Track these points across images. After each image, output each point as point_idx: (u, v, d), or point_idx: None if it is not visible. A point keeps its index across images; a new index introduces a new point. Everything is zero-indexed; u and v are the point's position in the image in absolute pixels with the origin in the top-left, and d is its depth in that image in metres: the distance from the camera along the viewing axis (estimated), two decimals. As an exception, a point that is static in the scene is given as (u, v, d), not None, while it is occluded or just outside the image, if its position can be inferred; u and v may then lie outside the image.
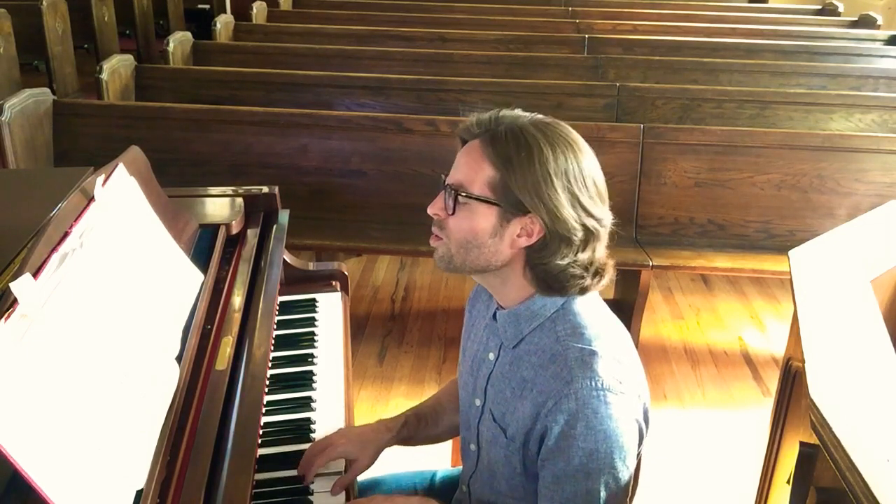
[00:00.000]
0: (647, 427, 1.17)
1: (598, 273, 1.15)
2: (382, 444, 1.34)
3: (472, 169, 1.11)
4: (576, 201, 1.08)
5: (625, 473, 1.11)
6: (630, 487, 1.14)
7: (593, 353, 1.09)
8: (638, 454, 1.21)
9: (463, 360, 1.35)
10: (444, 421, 1.45)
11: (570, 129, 1.13)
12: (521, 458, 1.16)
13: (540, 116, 1.14)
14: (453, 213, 1.12)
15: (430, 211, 1.17)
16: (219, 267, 1.58)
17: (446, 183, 1.14)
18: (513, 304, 1.18)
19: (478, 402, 1.26)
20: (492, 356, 1.24)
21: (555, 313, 1.15)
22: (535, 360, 1.15)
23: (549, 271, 1.12)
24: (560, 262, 1.11)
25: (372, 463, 1.33)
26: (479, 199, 1.10)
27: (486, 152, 1.09)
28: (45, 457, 0.86)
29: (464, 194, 1.10)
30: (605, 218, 1.12)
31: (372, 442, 1.33)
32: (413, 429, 1.40)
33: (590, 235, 1.11)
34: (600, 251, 1.14)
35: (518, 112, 1.14)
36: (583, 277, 1.13)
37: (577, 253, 1.11)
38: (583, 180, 1.09)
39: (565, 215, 1.07)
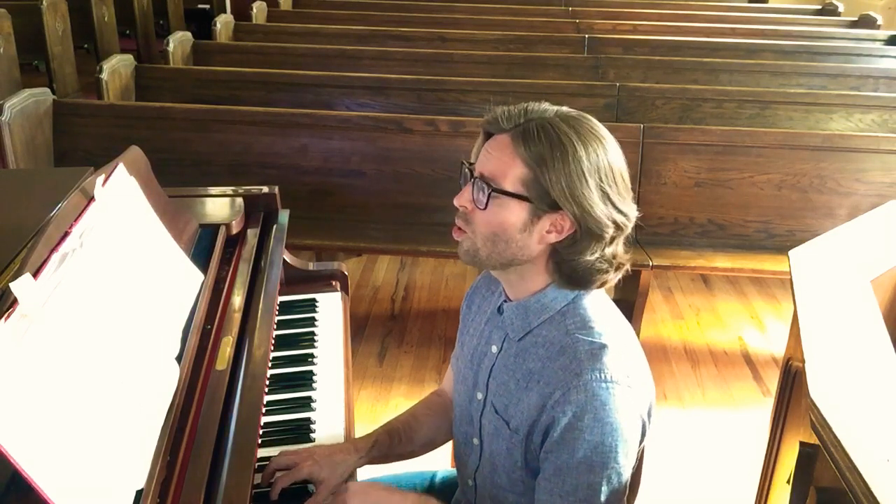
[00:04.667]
0: (649, 423, 1.17)
1: (619, 267, 1.15)
2: (351, 466, 1.31)
3: (504, 164, 1.09)
4: (606, 198, 1.08)
5: (626, 468, 1.11)
6: (628, 482, 1.14)
7: (603, 347, 1.10)
8: (640, 451, 1.22)
9: (461, 354, 1.35)
10: (419, 435, 1.42)
11: (595, 120, 1.13)
12: (523, 450, 1.17)
13: (565, 109, 1.13)
14: (485, 208, 1.10)
15: (457, 203, 1.15)
16: (219, 267, 1.58)
17: (475, 175, 1.12)
18: (523, 296, 1.18)
19: (479, 396, 1.26)
20: (494, 349, 1.24)
21: (565, 307, 1.16)
22: (543, 353, 1.15)
23: (576, 267, 1.12)
24: (588, 258, 1.11)
25: (340, 484, 1.28)
26: (511, 195, 1.09)
27: (517, 150, 1.08)
28: (45, 457, 0.86)
29: (497, 189, 1.09)
30: (631, 213, 1.12)
31: (340, 464, 1.29)
32: (384, 448, 1.36)
33: (618, 231, 1.11)
34: (621, 245, 1.15)
35: (545, 106, 1.12)
36: (607, 272, 1.14)
37: (604, 248, 1.12)
38: (612, 176, 1.09)
39: (597, 213, 1.08)
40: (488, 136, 1.14)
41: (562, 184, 1.06)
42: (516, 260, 1.14)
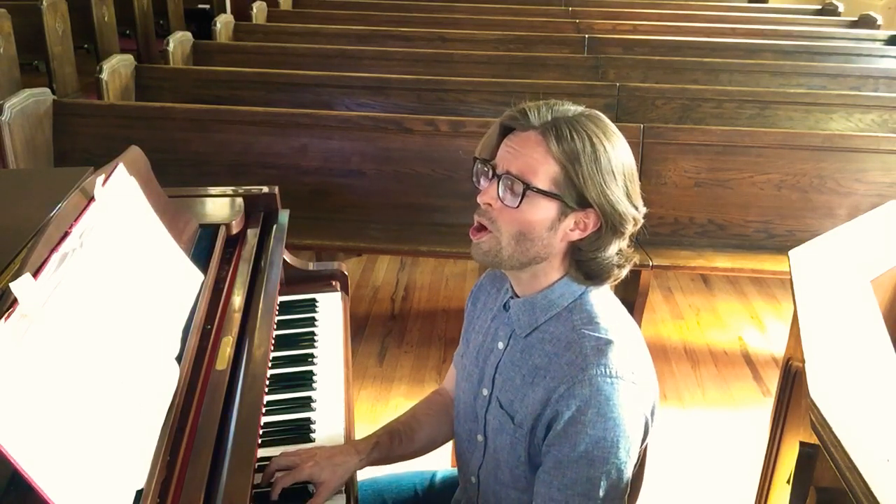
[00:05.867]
0: (652, 422, 1.17)
1: (628, 261, 1.17)
2: (352, 468, 1.30)
3: (535, 161, 1.09)
4: (628, 194, 1.11)
5: (626, 465, 1.11)
6: (629, 479, 1.14)
7: (609, 343, 1.11)
8: (643, 450, 1.22)
9: (466, 352, 1.35)
10: (420, 436, 1.41)
11: (608, 119, 1.15)
12: (527, 445, 1.17)
13: (582, 108, 1.14)
14: (518, 206, 1.10)
15: (481, 200, 1.14)
16: (219, 267, 1.57)
17: (501, 172, 1.11)
18: (531, 292, 1.19)
19: (485, 392, 1.26)
20: (501, 345, 1.24)
21: (571, 303, 1.16)
22: (549, 349, 1.16)
23: (596, 263, 1.14)
24: (608, 254, 1.13)
25: (340, 486, 1.28)
26: (546, 193, 1.09)
27: (550, 147, 1.08)
28: (45, 457, 0.86)
29: (533, 187, 1.08)
30: (642, 209, 1.15)
31: (341, 465, 1.28)
32: (385, 449, 1.35)
33: (633, 226, 1.14)
34: (627, 240, 1.16)
35: (567, 105, 1.13)
36: (622, 266, 1.16)
37: (620, 244, 1.14)
38: (632, 173, 1.12)
39: (621, 209, 1.10)
40: (506, 131, 1.14)
41: (594, 180, 1.07)
42: (538, 258, 1.14)
